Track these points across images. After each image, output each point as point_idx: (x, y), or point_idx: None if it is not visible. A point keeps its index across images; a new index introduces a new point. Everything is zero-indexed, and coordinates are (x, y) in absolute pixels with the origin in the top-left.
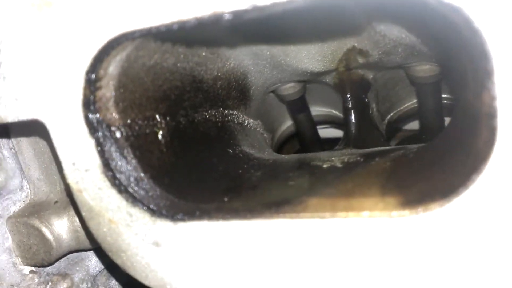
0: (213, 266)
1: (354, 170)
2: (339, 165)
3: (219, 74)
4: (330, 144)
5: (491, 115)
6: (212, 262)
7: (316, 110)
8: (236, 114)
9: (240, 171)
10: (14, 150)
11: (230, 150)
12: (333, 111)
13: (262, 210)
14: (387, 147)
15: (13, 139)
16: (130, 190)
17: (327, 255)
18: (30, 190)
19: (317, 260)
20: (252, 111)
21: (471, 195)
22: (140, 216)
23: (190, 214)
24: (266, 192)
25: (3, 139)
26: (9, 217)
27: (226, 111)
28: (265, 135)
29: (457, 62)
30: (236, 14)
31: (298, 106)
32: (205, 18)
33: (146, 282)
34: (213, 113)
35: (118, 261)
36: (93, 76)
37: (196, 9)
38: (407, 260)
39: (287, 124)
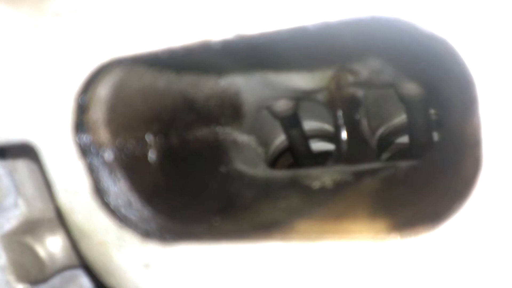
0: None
1: (344, 190)
2: (329, 185)
3: (211, 93)
4: (323, 157)
5: (476, 143)
6: (201, 284)
7: (309, 125)
8: (229, 132)
9: (232, 191)
10: (8, 168)
11: (223, 169)
12: (325, 125)
13: (251, 233)
14: (378, 165)
15: (8, 158)
16: (120, 212)
17: (316, 278)
18: (25, 208)
19: (306, 283)
20: (246, 128)
21: (458, 220)
22: (129, 238)
23: (179, 236)
24: (257, 213)
25: None
26: (3, 235)
27: (219, 129)
28: (258, 150)
29: (442, 89)
30: (225, 43)
31: (291, 122)
32: (193, 46)
33: None
34: (205, 131)
35: (108, 283)
36: (84, 99)
37: (184, 38)
38: (395, 284)
39: (281, 138)
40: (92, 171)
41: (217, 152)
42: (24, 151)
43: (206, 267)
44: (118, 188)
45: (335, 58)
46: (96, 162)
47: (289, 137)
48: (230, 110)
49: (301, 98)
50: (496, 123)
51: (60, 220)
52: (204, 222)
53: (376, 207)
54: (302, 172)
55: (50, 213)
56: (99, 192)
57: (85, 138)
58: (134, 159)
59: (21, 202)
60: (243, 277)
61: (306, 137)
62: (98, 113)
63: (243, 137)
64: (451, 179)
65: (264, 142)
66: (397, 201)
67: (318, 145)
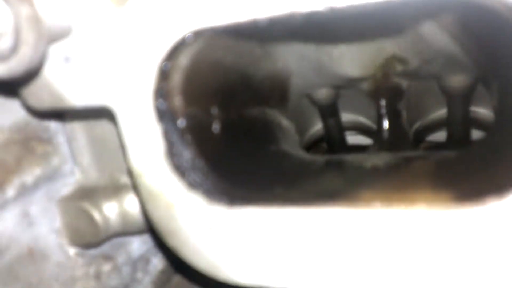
0: (265, 252)
1: (398, 169)
2: (381, 166)
3: (267, 73)
4: (356, 150)
5: None
6: (264, 248)
7: (345, 117)
8: (275, 114)
9: (285, 167)
10: (68, 136)
11: (272, 147)
12: (360, 118)
13: (316, 199)
14: (424, 152)
15: (67, 125)
16: (189, 175)
17: (380, 245)
18: (80, 175)
19: (369, 249)
20: (288, 112)
21: None
22: (197, 201)
23: (244, 200)
24: (318, 185)
25: (59, 125)
26: (60, 200)
27: (267, 110)
28: (296, 136)
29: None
30: (310, 16)
31: (330, 111)
32: (279, 18)
33: (196, 266)
34: (257, 111)
35: (171, 244)
36: (167, 66)
37: (273, 8)
38: (464, 251)
39: (316, 127)
40: (166, 135)
41: (267, 131)
42: (96, 115)
43: (270, 231)
44: (188, 153)
45: (391, 37)
46: (170, 127)
47: (326, 126)
48: (278, 93)
49: (345, 86)
50: None
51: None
52: (267, 190)
53: (437, 181)
54: (347, 157)
55: (104, 181)
56: (172, 155)
57: (164, 103)
58: (202, 128)
59: (77, 170)
60: (306, 242)
61: (343, 128)
62: (176, 81)
63: (285, 122)
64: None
65: (301, 130)
66: (457, 177)
67: (351, 139)
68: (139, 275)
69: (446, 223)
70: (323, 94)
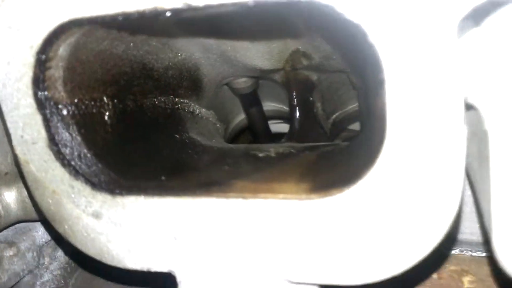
0: (147, 239)
1: (284, 160)
2: (273, 155)
3: (170, 64)
4: (281, 137)
5: (382, 118)
6: (147, 235)
7: (269, 105)
8: (187, 103)
9: (184, 155)
10: None
11: (177, 136)
12: (284, 107)
13: (194, 189)
14: (322, 143)
15: None
16: (73, 164)
17: (249, 230)
18: None
19: (239, 233)
20: (205, 102)
21: (366, 183)
22: (81, 189)
23: (128, 189)
24: (202, 175)
25: None
26: None
27: (176, 99)
28: (218, 125)
29: (360, 72)
30: (175, 11)
31: (250, 100)
32: (146, 12)
33: (85, 250)
34: (163, 100)
35: (61, 230)
36: (43, 56)
37: (139, 3)
38: (313, 234)
39: (241, 117)
40: (48, 124)
41: (174, 120)
42: None
43: (151, 218)
44: (73, 142)
45: (287, 36)
46: (53, 116)
47: (248, 115)
48: (189, 82)
49: (260, 77)
50: (398, 102)
51: (18, 170)
52: (153, 179)
53: (304, 173)
54: (253, 146)
55: (6, 167)
56: (55, 144)
57: (43, 92)
58: (90, 117)
59: None
60: (184, 229)
61: (265, 117)
62: (57, 70)
63: (202, 110)
64: (364, 149)
65: (224, 119)
66: (323, 169)
67: (278, 127)
68: (46, 260)
69: (300, 211)
70: (241, 83)
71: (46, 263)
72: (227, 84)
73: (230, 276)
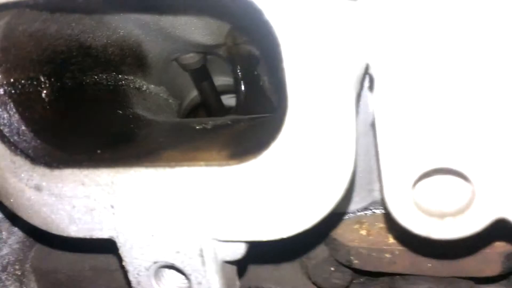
0: (86, 208)
1: (217, 131)
2: (209, 127)
3: (109, 41)
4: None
5: (284, 94)
6: (85, 204)
7: (219, 80)
8: (132, 79)
9: (125, 130)
10: None
11: (120, 111)
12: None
13: (125, 161)
14: (259, 115)
15: None
16: (13, 140)
17: (176, 196)
18: None
19: (168, 199)
20: (154, 78)
21: (274, 149)
22: (22, 164)
23: (65, 163)
24: (137, 147)
25: None
26: None
27: (120, 76)
28: (170, 100)
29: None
30: None
31: (200, 75)
32: None
33: (31, 221)
34: (104, 77)
35: (7, 204)
36: None
37: None
38: (233, 197)
39: (195, 92)
40: None
41: (117, 96)
42: None
43: (88, 189)
44: (12, 120)
45: (214, 15)
46: None
47: (199, 90)
48: (132, 59)
49: (207, 52)
50: (296, 75)
51: None
52: (89, 153)
53: (228, 142)
54: (195, 119)
55: None
56: None
57: None
58: (27, 96)
59: None
60: (119, 197)
61: (217, 91)
62: None
63: (150, 87)
64: (273, 119)
65: (178, 95)
66: (243, 138)
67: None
68: (4, 235)
69: (221, 177)
70: (189, 59)
71: (4, 237)
72: (175, 60)
73: (163, 238)
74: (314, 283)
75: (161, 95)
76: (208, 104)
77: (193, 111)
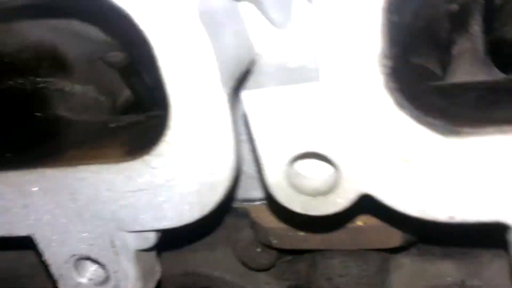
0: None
1: (128, 128)
2: (123, 124)
3: (21, 47)
4: None
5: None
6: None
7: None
8: (53, 81)
9: (43, 131)
10: None
11: (39, 114)
12: None
13: (30, 162)
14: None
15: None
16: None
17: (83, 193)
18: None
19: (76, 197)
20: (78, 77)
21: (161, 149)
22: None
23: None
24: (46, 148)
25: None
26: None
27: (38, 79)
28: (101, 99)
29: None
30: None
31: (127, 73)
32: None
33: None
34: (21, 81)
35: None
36: None
37: None
38: (134, 192)
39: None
40: None
41: (35, 99)
42: None
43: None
44: None
45: None
46: None
47: (129, 86)
48: (50, 62)
49: (130, 50)
50: (173, 75)
51: None
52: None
53: (130, 139)
54: (115, 117)
55: None
56: None
57: None
58: None
59: None
60: (30, 198)
61: (150, 88)
62: None
63: (75, 87)
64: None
65: (109, 92)
66: (145, 134)
67: None
68: None
69: (120, 172)
70: (114, 57)
71: None
72: (100, 59)
73: (76, 232)
74: (243, 264)
75: (89, 94)
76: (140, 101)
77: (133, 108)
